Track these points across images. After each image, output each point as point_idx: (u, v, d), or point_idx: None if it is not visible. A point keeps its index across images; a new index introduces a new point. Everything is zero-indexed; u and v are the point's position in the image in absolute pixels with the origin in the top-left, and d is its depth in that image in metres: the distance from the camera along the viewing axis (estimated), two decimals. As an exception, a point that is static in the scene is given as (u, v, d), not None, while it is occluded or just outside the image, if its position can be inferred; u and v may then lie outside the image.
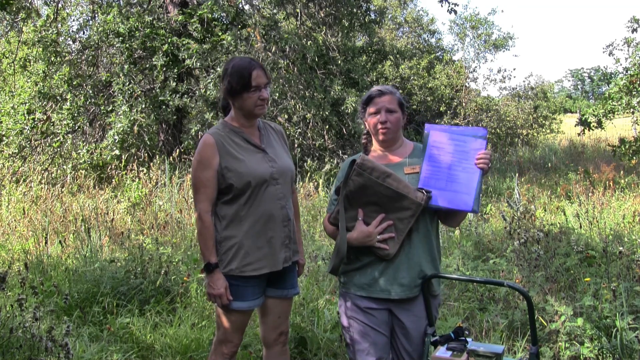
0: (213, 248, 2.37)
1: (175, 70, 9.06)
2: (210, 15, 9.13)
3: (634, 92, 11.28)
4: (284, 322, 2.58)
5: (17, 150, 9.52)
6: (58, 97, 9.70)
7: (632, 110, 12.05)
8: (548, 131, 17.99)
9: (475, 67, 19.40)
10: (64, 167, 9.28)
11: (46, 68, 9.77)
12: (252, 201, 2.38)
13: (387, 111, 2.32)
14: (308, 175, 8.91)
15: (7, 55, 11.36)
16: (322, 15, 11.10)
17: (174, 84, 9.05)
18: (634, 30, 12.21)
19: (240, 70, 2.35)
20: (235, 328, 2.46)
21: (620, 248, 4.29)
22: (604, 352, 3.17)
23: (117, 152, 8.93)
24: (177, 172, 8.06)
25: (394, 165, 2.35)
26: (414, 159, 2.37)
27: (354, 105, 9.70)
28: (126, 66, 9.08)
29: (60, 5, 10.54)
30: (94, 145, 9.47)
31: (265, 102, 2.41)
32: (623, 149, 10.70)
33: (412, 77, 16.61)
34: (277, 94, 8.97)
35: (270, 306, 2.54)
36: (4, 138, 9.93)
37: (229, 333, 2.46)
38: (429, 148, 2.29)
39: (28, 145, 9.65)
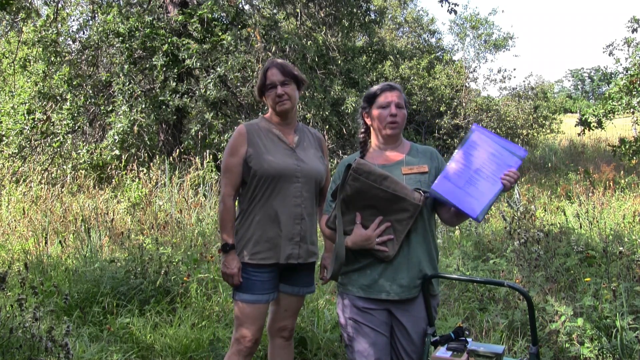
0: (231, 230, 2.50)
1: (175, 70, 9.06)
2: (210, 15, 9.12)
3: (634, 92, 11.29)
4: (288, 317, 2.64)
5: (17, 150, 9.51)
6: (58, 97, 9.70)
7: (632, 110, 12.05)
8: (548, 131, 18.00)
9: (475, 67, 19.40)
10: (64, 167, 9.28)
11: (46, 68, 9.76)
12: (268, 194, 2.47)
13: (397, 106, 2.32)
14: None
15: (7, 55, 11.36)
16: (322, 15, 11.10)
17: (174, 84, 9.04)
18: (634, 30, 12.22)
19: (261, 72, 2.55)
20: (247, 322, 2.49)
21: (620, 248, 4.29)
22: (604, 352, 3.17)
23: (117, 152, 8.93)
24: (177, 172, 8.05)
25: (392, 164, 2.34)
26: (411, 158, 2.36)
27: (354, 105, 9.70)
28: (126, 66, 9.08)
29: (60, 5, 10.53)
30: (94, 145, 9.47)
31: (284, 99, 2.50)
32: (623, 149, 10.71)
33: (412, 77, 16.62)
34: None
35: (280, 299, 2.62)
36: (4, 138, 9.93)
37: (241, 327, 2.50)
38: (467, 144, 2.27)
39: (28, 145, 9.64)
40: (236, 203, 2.61)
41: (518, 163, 2.22)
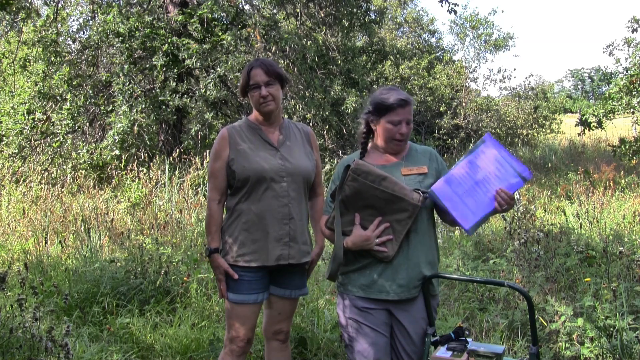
0: (215, 234, 2.50)
1: (175, 70, 9.06)
2: (210, 15, 9.12)
3: (634, 92, 11.29)
4: (283, 321, 2.61)
5: (17, 150, 9.51)
6: (58, 97, 9.69)
7: (632, 110, 12.05)
8: (548, 131, 18.01)
9: (475, 67, 19.43)
10: (64, 167, 9.28)
11: (46, 68, 9.76)
12: (253, 195, 2.44)
13: (407, 122, 2.29)
14: (308, 175, 8.89)
15: (7, 55, 11.35)
16: (322, 15, 11.10)
17: (174, 84, 9.04)
18: (634, 30, 12.22)
19: (245, 70, 2.51)
20: (239, 322, 2.48)
21: (621, 248, 4.29)
22: (604, 352, 3.17)
23: (117, 152, 8.92)
24: (177, 172, 8.05)
25: (391, 165, 2.33)
26: (411, 159, 2.36)
27: (353, 105, 9.70)
28: (126, 66, 9.07)
29: (60, 5, 10.53)
30: (94, 145, 9.46)
31: (269, 100, 2.45)
32: (623, 149, 10.70)
33: (412, 77, 16.62)
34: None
35: (273, 302, 2.59)
36: (4, 138, 9.92)
37: (232, 327, 2.49)
38: (475, 153, 2.23)
39: (28, 145, 9.64)
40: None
41: (520, 184, 2.18)
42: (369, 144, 2.44)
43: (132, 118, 8.74)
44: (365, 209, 2.23)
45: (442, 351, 2.19)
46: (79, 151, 9.35)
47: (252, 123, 2.56)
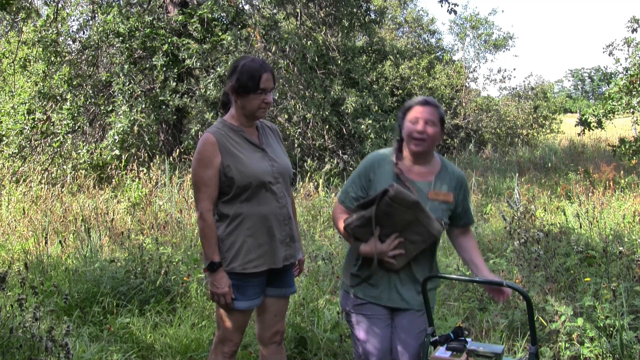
0: (216, 247, 2.37)
1: (175, 70, 9.06)
2: (210, 15, 9.12)
3: (634, 92, 11.29)
4: (280, 321, 2.60)
5: (17, 150, 9.50)
6: (58, 97, 9.69)
7: (632, 110, 12.05)
8: (548, 131, 17.99)
9: (475, 67, 19.43)
10: (64, 167, 9.27)
11: (46, 68, 9.76)
12: (254, 199, 2.39)
13: (428, 123, 2.27)
14: (308, 175, 8.91)
15: (7, 55, 11.34)
16: (322, 15, 11.10)
17: (174, 84, 9.04)
18: (634, 30, 12.22)
19: (251, 71, 2.35)
20: (235, 327, 2.47)
21: (620, 248, 4.28)
22: (604, 352, 3.17)
23: (117, 152, 8.92)
24: (177, 172, 8.06)
25: (420, 183, 2.33)
26: (440, 181, 2.35)
27: (353, 105, 9.70)
28: (126, 66, 9.08)
29: (60, 5, 10.53)
30: (94, 145, 9.46)
31: (268, 106, 2.42)
32: (623, 149, 10.70)
33: (412, 77, 16.60)
34: (277, 94, 8.98)
35: (268, 305, 2.55)
36: (4, 138, 9.92)
37: (229, 332, 2.47)
38: None
39: (28, 145, 9.64)
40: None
41: None
42: (404, 152, 2.39)
43: (132, 118, 8.74)
44: (387, 225, 2.26)
45: (441, 351, 2.19)
46: (79, 151, 9.35)
47: (233, 125, 2.44)
